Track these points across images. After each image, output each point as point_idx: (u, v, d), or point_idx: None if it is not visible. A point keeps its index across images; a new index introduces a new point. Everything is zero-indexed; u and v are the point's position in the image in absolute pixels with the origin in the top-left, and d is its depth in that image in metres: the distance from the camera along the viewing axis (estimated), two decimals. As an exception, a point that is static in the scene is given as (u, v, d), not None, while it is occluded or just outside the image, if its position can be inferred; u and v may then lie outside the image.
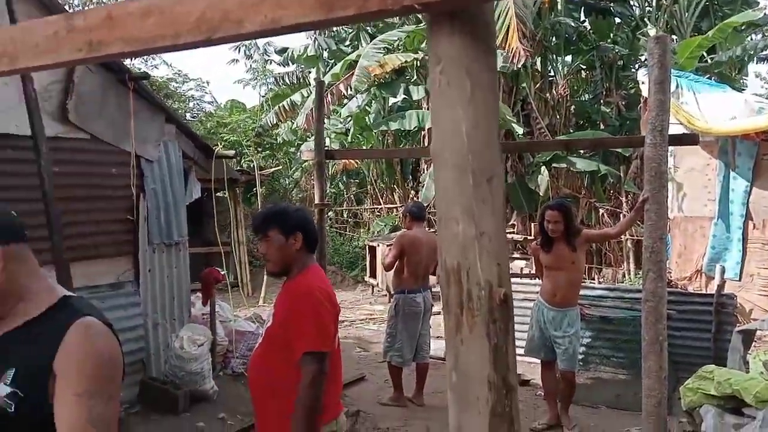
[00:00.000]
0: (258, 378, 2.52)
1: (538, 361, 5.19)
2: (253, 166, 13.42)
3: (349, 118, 15.08)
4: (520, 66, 11.32)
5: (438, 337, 7.13)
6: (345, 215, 17.46)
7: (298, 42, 44.17)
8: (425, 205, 6.43)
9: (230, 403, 5.52)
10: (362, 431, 5.10)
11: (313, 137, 14.04)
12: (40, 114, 4.02)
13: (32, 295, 1.48)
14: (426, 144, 13.29)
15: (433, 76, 1.01)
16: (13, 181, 4.41)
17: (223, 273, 6.41)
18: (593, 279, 10.57)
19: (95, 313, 1.48)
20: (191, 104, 19.84)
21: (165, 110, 5.67)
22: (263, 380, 2.47)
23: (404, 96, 13.36)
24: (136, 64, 14.66)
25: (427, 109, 13.36)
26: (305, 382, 2.26)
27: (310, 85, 16.13)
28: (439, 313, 7.79)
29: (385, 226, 14.48)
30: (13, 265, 1.45)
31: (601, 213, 11.84)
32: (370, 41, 13.53)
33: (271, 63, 21.46)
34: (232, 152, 7.43)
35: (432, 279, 6.01)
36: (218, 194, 7.67)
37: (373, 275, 11.74)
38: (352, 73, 12.51)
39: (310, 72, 17.10)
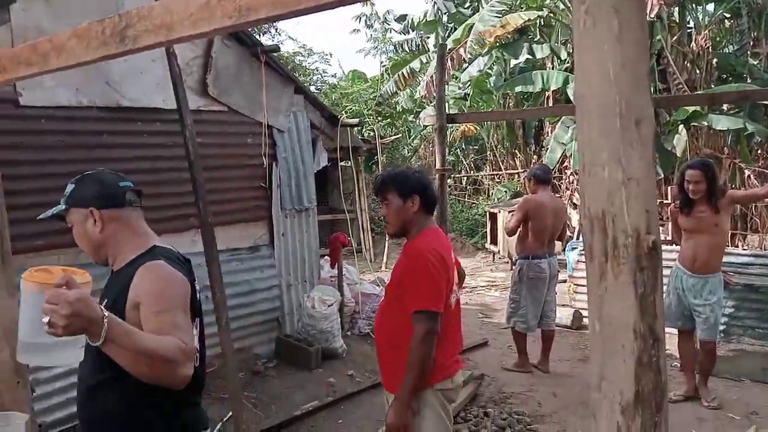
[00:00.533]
0: (380, 330, 2.70)
1: (674, 330, 4.92)
2: (375, 134, 13.65)
3: (469, 83, 14.82)
4: (653, 16, 10.51)
5: (563, 305, 6.95)
6: (464, 182, 17.33)
7: (417, 8, 43.90)
8: (550, 168, 6.21)
9: (358, 360, 5.76)
10: (486, 394, 5.13)
11: (432, 104, 13.99)
12: (184, 88, 4.34)
13: (132, 246, 1.88)
14: (550, 105, 12.79)
15: (577, 15, 0.98)
16: (162, 152, 4.81)
17: (349, 238, 6.64)
18: (737, 245, 9.76)
19: (168, 255, 1.86)
20: (315, 77, 20.43)
21: (294, 82, 5.91)
22: (384, 333, 2.65)
23: (527, 56, 12.87)
24: (263, 41, 15.29)
25: (552, 68, 12.81)
26: (415, 339, 2.40)
27: (429, 51, 16.02)
28: (565, 281, 7.60)
29: (506, 192, 14.22)
30: (111, 225, 1.88)
31: (746, 175, 10.84)
32: (488, 2, 13.13)
33: (390, 31, 21.51)
34: (356, 120, 7.58)
35: (557, 245, 5.85)
36: (342, 163, 7.90)
37: (494, 242, 11.62)
38: (474, 37, 12.25)
39: (429, 38, 16.97)
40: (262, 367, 5.35)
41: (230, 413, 4.37)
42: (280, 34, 18.34)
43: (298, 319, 5.89)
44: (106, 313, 1.44)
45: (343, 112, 14.05)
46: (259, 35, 15.37)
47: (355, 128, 7.93)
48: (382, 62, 21.53)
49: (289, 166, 5.82)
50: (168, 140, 4.80)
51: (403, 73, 15.06)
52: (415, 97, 15.70)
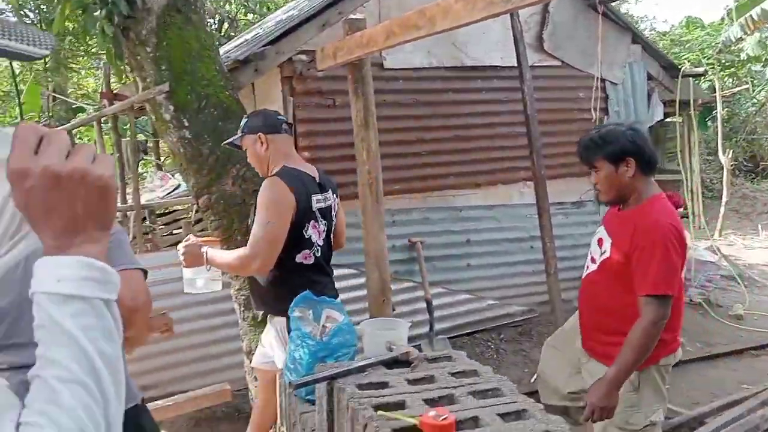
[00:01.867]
0: (589, 301, 2.42)
1: None
2: (713, 86, 12.12)
3: None
4: None
5: None
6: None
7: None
8: None
9: (689, 329, 5.34)
10: None
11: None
12: (525, 45, 4.48)
13: (275, 165, 2.41)
14: None
15: None
16: (498, 107, 5.07)
17: (683, 199, 6.13)
18: None
19: (287, 173, 2.34)
20: (643, 25, 18.88)
21: (631, 31, 5.60)
22: (595, 313, 2.39)
23: None
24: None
25: None
26: (643, 323, 2.11)
27: (790, -15, 13.43)
28: None
29: None
30: (271, 146, 2.43)
31: None
32: None
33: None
34: (701, 69, 6.84)
35: None
36: (667, 120, 7.20)
37: None
38: None
39: (790, -31, 14.19)
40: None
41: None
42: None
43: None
44: (205, 248, 2.45)
45: (678, 62, 12.74)
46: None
47: (701, 78, 7.12)
48: (724, 7, 18.79)
49: (621, 120, 5.58)
50: (504, 96, 5.04)
51: (751, 15, 12.94)
52: (766, 42, 13.41)
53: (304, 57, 4.15)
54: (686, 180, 11.05)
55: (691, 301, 5.91)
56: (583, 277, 2.47)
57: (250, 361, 3.05)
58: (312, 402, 1.90)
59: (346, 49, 3.04)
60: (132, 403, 1.72)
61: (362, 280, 4.04)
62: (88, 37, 5.26)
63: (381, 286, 3.44)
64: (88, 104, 9.43)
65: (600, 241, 2.40)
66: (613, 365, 2.16)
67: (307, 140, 4.38)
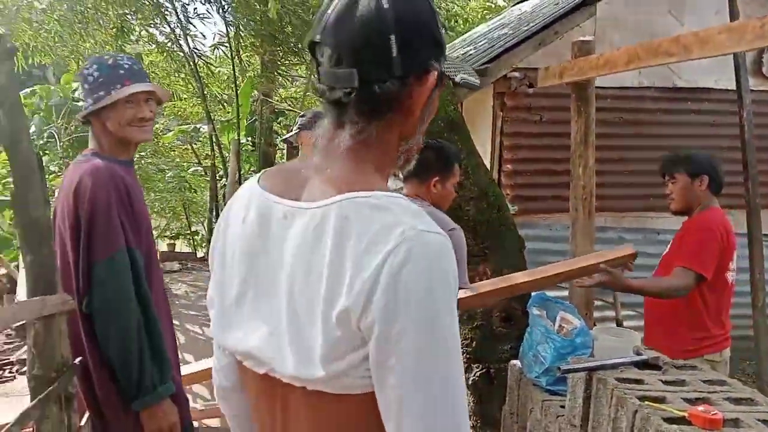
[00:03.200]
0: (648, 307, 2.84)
1: None
2: None
3: None
4: None
5: None
6: None
7: None
8: None
9: None
10: None
11: None
12: (746, 68, 4.33)
13: None
14: None
15: None
16: (707, 130, 4.93)
17: None
18: None
19: None
20: None
21: None
22: (654, 310, 2.75)
23: None
24: None
25: None
26: (671, 282, 2.52)
27: None
28: None
29: None
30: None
31: None
32: None
33: None
34: None
35: None
36: None
37: None
38: None
39: None
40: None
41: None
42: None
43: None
44: None
45: None
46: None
47: None
48: None
49: None
50: (714, 119, 4.89)
51: None
52: None
53: (517, 74, 4.39)
54: None
55: None
56: None
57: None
58: (552, 392, 2.12)
59: (577, 69, 3.22)
60: None
61: (553, 293, 4.17)
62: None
63: (585, 301, 3.57)
64: (289, 109, 10.45)
65: None
66: (637, 282, 2.57)
67: (511, 153, 4.61)
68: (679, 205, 2.71)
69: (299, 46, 6.57)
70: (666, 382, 1.73)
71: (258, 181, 0.90)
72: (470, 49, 5.24)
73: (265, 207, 0.85)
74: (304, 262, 0.78)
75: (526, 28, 4.50)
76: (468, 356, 3.40)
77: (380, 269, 0.71)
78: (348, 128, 0.84)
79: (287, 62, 8.32)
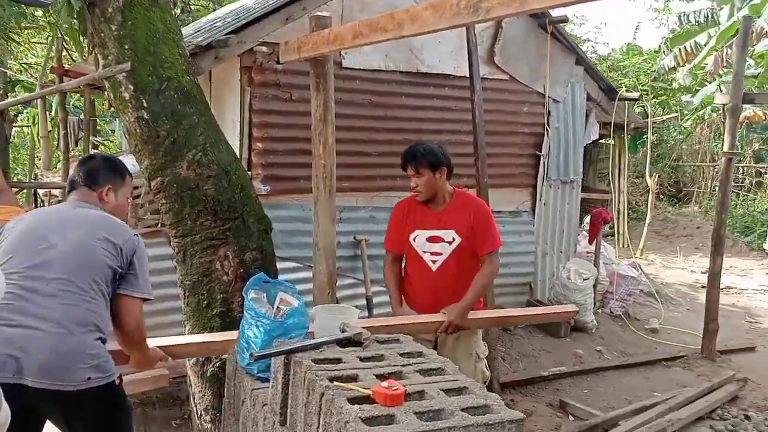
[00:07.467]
0: (442, 284, 3.01)
1: None
2: (645, 112, 12.82)
3: (761, 60, 13.00)
4: None
5: None
6: (742, 173, 15.36)
7: (707, -25, 39.17)
8: None
9: (608, 339, 5.74)
10: (749, 399, 4.76)
11: (717, 82, 12.57)
12: (478, 57, 4.69)
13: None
14: None
15: None
16: (447, 114, 5.27)
17: (611, 215, 6.52)
18: None
19: None
20: (585, 46, 19.68)
21: (576, 53, 5.92)
22: (447, 284, 2.98)
23: None
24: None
25: None
26: (492, 270, 2.97)
27: (719, 24, 14.35)
28: None
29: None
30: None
31: None
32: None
33: (673, 0, 19.63)
34: (636, 94, 7.28)
35: None
36: (600, 140, 7.64)
37: (776, 244, 10.26)
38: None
39: (721, 9, 15.15)
40: (511, 326, 5.63)
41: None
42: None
43: (550, 288, 6.03)
44: None
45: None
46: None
47: (633, 103, 7.59)
48: (661, 36, 19.84)
49: (560, 136, 5.90)
50: (453, 104, 5.24)
51: (685, 47, 13.76)
52: (695, 72, 14.26)
53: (264, 48, 4.21)
54: (614, 200, 11.65)
55: (612, 313, 6.31)
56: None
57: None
58: (264, 380, 2.00)
59: (312, 44, 3.14)
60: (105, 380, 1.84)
61: (307, 274, 4.13)
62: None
63: (328, 279, 3.55)
64: (28, 79, 9.10)
65: None
66: (466, 296, 2.85)
67: (261, 131, 4.44)
68: (426, 196, 3.00)
69: None
70: (364, 359, 1.71)
71: None
72: (218, 22, 4.94)
73: None
74: None
75: (273, 1, 4.34)
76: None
77: None
78: None
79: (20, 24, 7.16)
